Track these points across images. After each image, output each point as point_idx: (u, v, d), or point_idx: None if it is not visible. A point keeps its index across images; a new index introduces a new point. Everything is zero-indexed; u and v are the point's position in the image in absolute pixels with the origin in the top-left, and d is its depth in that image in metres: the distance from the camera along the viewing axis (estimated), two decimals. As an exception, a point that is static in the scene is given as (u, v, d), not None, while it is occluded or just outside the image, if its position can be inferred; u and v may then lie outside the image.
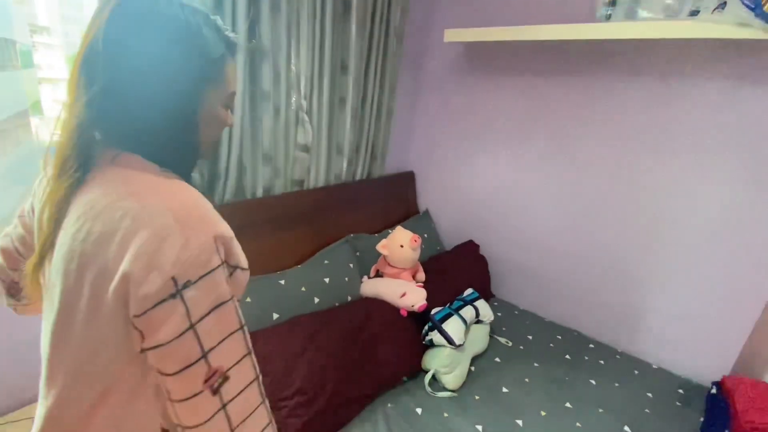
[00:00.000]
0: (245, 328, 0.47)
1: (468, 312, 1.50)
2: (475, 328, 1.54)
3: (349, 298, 1.50)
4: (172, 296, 0.41)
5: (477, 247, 2.04)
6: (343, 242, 1.63)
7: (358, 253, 1.67)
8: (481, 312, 1.56)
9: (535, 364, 1.52)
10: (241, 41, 1.17)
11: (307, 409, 1.09)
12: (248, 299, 1.23)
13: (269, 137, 1.37)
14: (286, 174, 1.49)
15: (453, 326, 1.40)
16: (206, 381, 0.42)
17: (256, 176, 1.39)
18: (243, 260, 0.49)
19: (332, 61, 1.48)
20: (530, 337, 1.69)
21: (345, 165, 1.71)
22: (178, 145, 0.51)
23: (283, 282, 1.33)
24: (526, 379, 1.43)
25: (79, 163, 0.46)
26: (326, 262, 1.49)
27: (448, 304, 1.53)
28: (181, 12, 0.47)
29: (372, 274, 1.66)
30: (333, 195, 1.67)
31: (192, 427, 0.44)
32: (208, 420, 0.43)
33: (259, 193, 1.41)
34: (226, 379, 0.43)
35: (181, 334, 0.41)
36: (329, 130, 1.58)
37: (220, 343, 0.43)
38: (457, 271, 1.81)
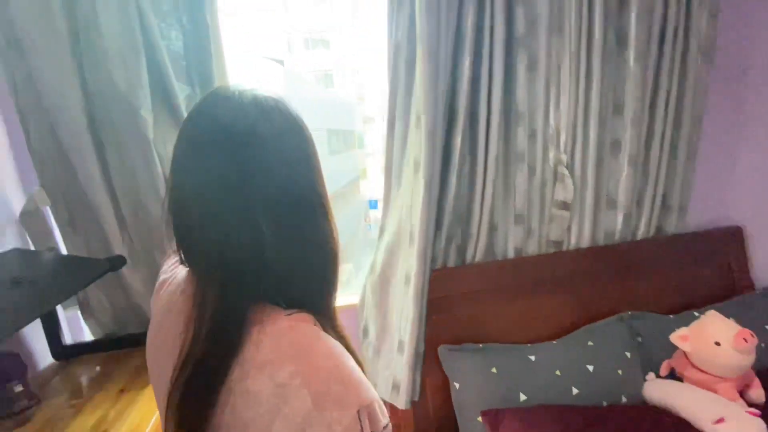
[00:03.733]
0: None
1: None
2: None
3: (624, 400, 1.13)
4: None
5: None
6: (616, 320, 1.28)
7: (639, 339, 1.27)
8: None
9: None
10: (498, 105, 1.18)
11: None
12: (494, 369, 1.15)
13: (522, 198, 1.29)
14: (540, 234, 1.35)
15: None
16: None
17: (507, 236, 1.33)
18: (384, 418, 0.40)
19: (601, 104, 1.25)
20: None
21: (620, 220, 1.38)
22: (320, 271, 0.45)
23: (533, 358, 1.17)
24: None
25: None
26: (590, 343, 1.21)
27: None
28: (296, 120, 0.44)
29: (663, 372, 1.21)
30: (602, 258, 1.37)
31: None
32: None
33: (510, 253, 1.34)
34: None
35: None
36: (597, 180, 1.32)
37: None
38: None
